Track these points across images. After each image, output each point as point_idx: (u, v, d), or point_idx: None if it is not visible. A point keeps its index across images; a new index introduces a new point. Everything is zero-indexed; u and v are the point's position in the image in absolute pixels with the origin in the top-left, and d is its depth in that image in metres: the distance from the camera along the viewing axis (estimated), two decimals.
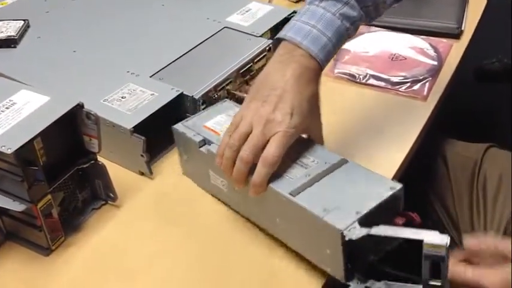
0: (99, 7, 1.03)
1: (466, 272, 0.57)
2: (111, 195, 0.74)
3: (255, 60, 0.90)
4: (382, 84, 0.92)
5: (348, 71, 0.94)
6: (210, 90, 0.83)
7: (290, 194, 0.62)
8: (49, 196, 0.66)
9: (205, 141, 0.71)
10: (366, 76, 0.93)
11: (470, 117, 1.81)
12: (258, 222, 0.69)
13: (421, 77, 0.92)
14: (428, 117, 0.87)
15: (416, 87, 0.90)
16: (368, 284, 0.58)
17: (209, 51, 0.91)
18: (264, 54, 0.90)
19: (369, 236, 0.55)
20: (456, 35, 1.03)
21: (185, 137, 0.73)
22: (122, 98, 0.81)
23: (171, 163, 0.81)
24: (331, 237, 0.57)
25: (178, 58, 0.89)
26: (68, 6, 1.03)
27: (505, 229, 0.85)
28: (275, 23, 0.95)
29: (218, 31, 0.95)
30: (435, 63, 0.95)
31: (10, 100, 0.66)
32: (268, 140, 0.64)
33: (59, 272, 0.68)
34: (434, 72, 0.93)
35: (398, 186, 0.60)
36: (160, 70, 0.87)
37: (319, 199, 0.60)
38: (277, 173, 0.64)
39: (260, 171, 0.63)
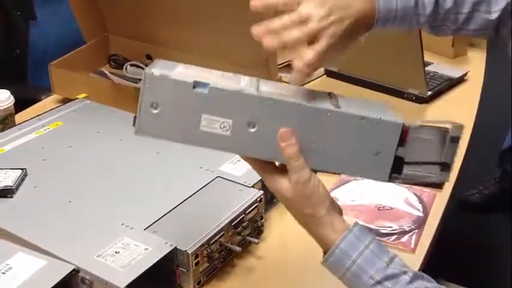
0: (95, 154, 1.07)
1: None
2: None
3: (247, 211, 0.92)
4: None
5: None
6: (203, 244, 0.84)
7: (334, 105, 0.65)
8: None
9: (197, 82, 0.65)
10: None
11: (456, 254, 1.82)
12: (278, 158, 0.67)
13: (407, 229, 0.94)
14: (418, 269, 0.89)
15: (404, 239, 0.93)
16: (402, 176, 0.68)
17: (202, 202, 0.93)
18: (255, 205, 0.93)
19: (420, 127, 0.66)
20: (438, 185, 1.07)
21: (167, 80, 0.64)
22: (116, 253, 0.82)
23: None
24: (387, 135, 0.66)
25: (172, 209, 0.91)
26: (64, 153, 1.06)
27: None
28: None
29: (211, 181, 0.98)
30: (421, 214, 0.98)
31: (7, 264, 0.67)
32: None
33: None
34: (420, 223, 0.96)
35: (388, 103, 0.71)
36: (154, 222, 0.88)
37: (358, 109, 0.66)
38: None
39: (311, 52, 0.65)
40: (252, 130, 0.66)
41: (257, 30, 0.67)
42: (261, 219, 0.95)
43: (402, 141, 0.66)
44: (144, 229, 0.87)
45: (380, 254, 0.65)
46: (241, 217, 0.91)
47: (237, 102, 0.65)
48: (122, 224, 0.88)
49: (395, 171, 0.68)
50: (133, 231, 0.86)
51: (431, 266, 0.97)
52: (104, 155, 1.07)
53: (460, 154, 1.19)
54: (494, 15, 0.78)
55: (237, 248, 0.89)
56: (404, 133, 0.66)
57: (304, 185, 0.66)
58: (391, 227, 0.95)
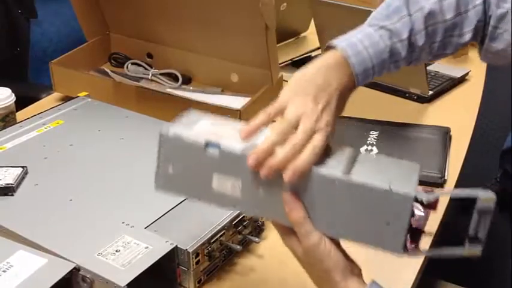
0: (96, 153, 1.07)
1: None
2: None
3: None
4: None
5: None
6: (203, 243, 0.84)
7: (344, 174, 0.63)
8: None
9: (208, 143, 0.66)
10: None
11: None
12: (286, 221, 0.66)
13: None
14: (419, 267, 0.89)
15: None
16: (422, 252, 0.64)
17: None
18: None
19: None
20: (440, 184, 1.07)
21: (181, 141, 0.67)
22: (117, 251, 0.82)
23: None
24: (398, 206, 0.61)
25: (173, 208, 0.91)
26: (65, 151, 1.06)
27: None
28: None
29: None
30: (422, 214, 0.98)
31: (7, 262, 0.66)
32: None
33: None
34: (422, 222, 0.96)
35: (418, 165, 0.68)
36: (155, 221, 0.88)
37: (369, 176, 0.63)
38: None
39: (307, 157, 0.62)
40: (261, 192, 0.66)
41: (253, 163, 0.64)
42: (262, 218, 0.95)
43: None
44: (145, 228, 0.87)
45: None
46: (241, 216, 0.91)
47: (245, 166, 0.64)
48: (123, 223, 0.88)
49: (414, 243, 0.64)
50: (134, 229, 0.86)
51: (432, 266, 0.97)
52: (105, 153, 1.07)
53: (461, 155, 1.19)
54: (467, 37, 0.77)
55: (238, 247, 0.89)
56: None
57: (314, 250, 0.64)
58: None
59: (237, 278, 0.89)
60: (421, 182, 1.05)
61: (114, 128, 1.14)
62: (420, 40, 0.75)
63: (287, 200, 0.64)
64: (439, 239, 0.96)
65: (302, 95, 0.67)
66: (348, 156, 0.67)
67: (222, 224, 0.88)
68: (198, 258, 0.84)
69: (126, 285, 0.75)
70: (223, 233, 0.88)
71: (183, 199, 0.93)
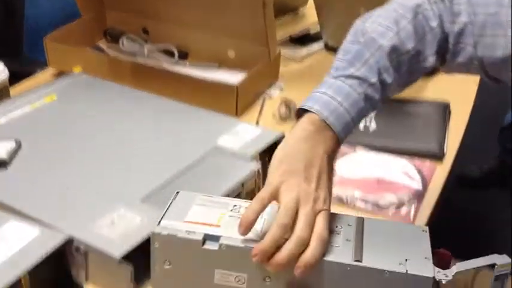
0: (90, 127, 1.05)
1: None
2: None
3: (244, 184, 0.91)
4: (370, 207, 0.93)
5: (335, 194, 0.96)
6: None
7: (356, 260, 0.61)
8: None
9: (205, 237, 0.65)
10: (353, 199, 0.94)
11: (456, 229, 1.82)
12: None
13: (406, 201, 0.93)
14: None
15: (403, 211, 0.92)
16: None
17: (198, 174, 0.92)
18: (253, 178, 0.92)
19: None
20: (439, 157, 1.06)
21: (175, 238, 0.64)
22: (112, 223, 0.81)
23: None
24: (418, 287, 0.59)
25: (168, 180, 0.90)
26: (59, 126, 1.05)
27: None
28: (264, 146, 0.98)
29: (207, 153, 0.97)
30: (420, 186, 0.97)
31: None
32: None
33: None
34: (420, 195, 0.95)
35: (426, 227, 0.67)
36: (150, 194, 0.87)
37: (382, 257, 0.61)
38: None
39: (316, 249, 0.61)
40: (268, 283, 0.64)
41: (258, 259, 0.62)
42: (259, 191, 0.94)
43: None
44: (140, 200, 0.86)
45: None
46: (238, 189, 0.90)
47: (249, 258, 0.62)
48: (118, 195, 0.86)
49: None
50: (130, 202, 0.85)
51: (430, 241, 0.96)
52: (99, 127, 1.05)
53: (460, 130, 1.18)
54: (431, 60, 0.76)
55: None
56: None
57: None
58: (390, 200, 0.94)
59: None
60: (421, 155, 1.06)
61: (109, 102, 1.13)
62: (389, 78, 0.73)
63: None
64: (438, 213, 0.96)
65: (292, 177, 0.65)
66: (354, 230, 0.66)
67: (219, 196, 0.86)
68: None
69: (122, 256, 0.74)
70: None
71: (179, 172, 0.92)
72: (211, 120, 1.07)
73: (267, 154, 0.97)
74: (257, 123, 1.16)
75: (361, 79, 0.72)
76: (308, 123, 0.69)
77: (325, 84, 0.73)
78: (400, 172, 1.00)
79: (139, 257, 0.75)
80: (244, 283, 0.64)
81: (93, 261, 0.70)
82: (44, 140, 1.01)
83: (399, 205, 0.93)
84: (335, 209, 0.95)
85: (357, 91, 0.71)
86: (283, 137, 0.97)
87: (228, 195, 0.87)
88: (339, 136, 0.70)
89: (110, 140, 1.02)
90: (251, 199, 0.91)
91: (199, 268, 0.65)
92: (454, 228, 1.83)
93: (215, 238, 0.64)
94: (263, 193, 0.65)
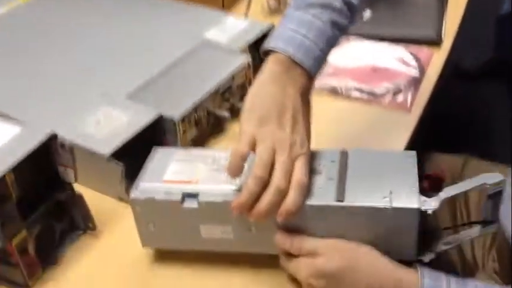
0: (72, 22, 1.00)
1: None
2: (90, 225, 0.71)
3: (235, 77, 0.87)
4: (365, 96, 0.90)
5: (329, 84, 0.93)
6: (189, 111, 0.80)
7: (338, 200, 0.60)
8: (24, 232, 0.63)
9: (184, 196, 0.64)
10: (348, 89, 0.91)
11: (447, 122, 1.81)
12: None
13: (403, 88, 0.90)
14: (413, 128, 0.86)
15: (399, 98, 0.89)
16: (437, 250, 0.61)
17: (187, 69, 0.88)
18: (243, 70, 0.88)
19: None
20: (436, 43, 1.02)
21: (154, 201, 0.63)
22: (98, 121, 0.78)
23: None
24: (404, 220, 0.58)
25: (155, 76, 0.86)
26: (39, 23, 1.00)
27: (490, 245, 0.83)
28: (253, 38, 0.93)
29: (196, 47, 0.92)
30: (417, 72, 0.94)
31: None
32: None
33: None
34: (417, 82, 0.92)
35: (413, 153, 0.64)
36: (136, 90, 0.84)
37: (365, 193, 0.60)
38: None
39: (296, 197, 0.59)
40: (254, 231, 0.63)
41: (237, 212, 0.60)
42: (250, 85, 0.90)
43: (424, 219, 0.59)
44: (126, 97, 0.82)
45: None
46: (228, 83, 0.86)
47: (229, 210, 0.60)
48: (102, 93, 0.83)
49: (426, 248, 0.61)
50: (115, 99, 0.82)
51: (425, 133, 0.94)
52: (81, 22, 1.00)
53: (457, 17, 1.13)
54: None
55: (226, 114, 0.85)
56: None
57: (337, 244, 0.60)
58: (386, 87, 0.91)
59: (226, 146, 0.86)
60: (418, 42, 1.02)
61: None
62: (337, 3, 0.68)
63: (280, 242, 0.62)
64: (432, 101, 0.93)
65: (266, 124, 0.61)
66: (338, 167, 0.63)
67: (208, 92, 0.83)
68: (184, 127, 0.80)
69: (110, 154, 0.72)
70: (210, 101, 0.84)
71: (166, 67, 0.88)
72: (197, 14, 1.02)
73: (256, 47, 0.92)
74: (246, 16, 1.10)
75: (323, 6, 0.67)
76: (275, 64, 0.65)
77: (287, 18, 0.68)
78: (396, 59, 0.96)
79: (128, 156, 0.73)
80: (230, 234, 0.64)
81: (81, 161, 0.67)
82: (24, 38, 0.96)
83: (396, 92, 0.90)
84: (329, 100, 0.94)
85: (322, 19, 0.66)
86: (272, 28, 0.93)
87: (218, 89, 0.85)
88: (310, 71, 0.66)
89: (93, 37, 0.97)
90: (242, 92, 0.89)
91: (183, 226, 0.65)
92: (450, 119, 1.82)
93: (194, 195, 0.63)
94: (240, 147, 0.61)
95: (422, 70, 0.94)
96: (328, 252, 0.60)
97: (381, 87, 0.90)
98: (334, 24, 0.68)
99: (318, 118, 0.87)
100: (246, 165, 0.62)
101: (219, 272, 0.67)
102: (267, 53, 0.67)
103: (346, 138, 0.84)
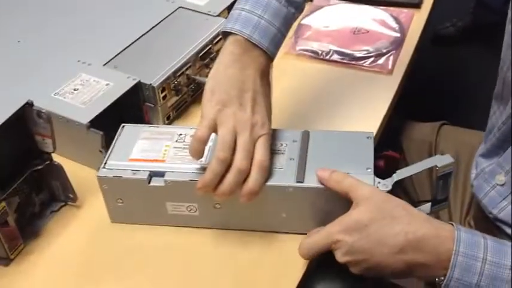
0: None
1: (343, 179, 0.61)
2: (71, 195, 0.70)
3: (214, 42, 0.85)
4: (346, 59, 0.89)
5: (310, 48, 0.91)
6: (169, 77, 0.79)
7: (298, 181, 0.62)
8: (3, 203, 0.62)
9: (151, 175, 0.65)
10: (329, 52, 0.90)
11: (426, 89, 1.81)
12: (251, 227, 0.67)
13: (384, 50, 0.90)
14: (395, 91, 0.85)
15: (380, 61, 0.88)
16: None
17: (165, 34, 0.86)
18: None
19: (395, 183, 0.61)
20: (417, 4, 1.01)
21: (121, 180, 0.65)
22: (75, 90, 0.76)
23: None
24: None
25: (132, 43, 0.84)
26: None
27: (469, 204, 0.84)
28: (231, 1, 0.91)
29: (173, 12, 0.90)
30: (398, 35, 0.93)
31: None
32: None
33: (20, 283, 0.63)
34: (398, 44, 0.91)
35: (371, 134, 0.67)
36: (113, 57, 0.82)
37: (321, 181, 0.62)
38: None
39: (257, 178, 0.61)
40: (218, 208, 0.65)
41: (202, 192, 0.62)
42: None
43: None
44: (104, 65, 0.80)
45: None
46: (208, 48, 0.84)
47: (195, 189, 0.62)
48: (79, 61, 0.81)
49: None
50: (92, 67, 0.80)
51: (405, 101, 0.93)
52: None
53: None
54: None
55: (206, 79, 0.83)
56: None
57: (375, 194, 0.59)
58: (367, 50, 0.89)
59: None
60: (398, 4, 1.00)
61: None
62: None
63: (321, 177, 0.62)
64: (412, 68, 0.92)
65: (227, 106, 0.62)
66: (299, 147, 0.65)
67: (187, 57, 0.81)
68: (164, 93, 0.79)
69: (89, 122, 0.70)
70: (189, 66, 0.82)
71: (144, 33, 0.86)
72: None
73: None
74: None
75: None
76: (233, 46, 0.66)
77: (241, 0, 0.68)
78: (377, 21, 0.95)
79: (107, 124, 0.71)
80: (196, 211, 0.66)
81: (59, 130, 0.66)
82: (0, 10, 0.93)
83: (377, 55, 0.89)
84: (310, 64, 0.93)
85: None
86: None
87: (198, 53, 0.83)
88: (269, 51, 0.66)
89: (70, 6, 0.94)
90: None
91: (150, 203, 0.66)
92: (430, 85, 1.82)
93: (160, 174, 0.64)
94: (201, 130, 0.62)
95: (403, 32, 0.93)
96: (361, 203, 0.59)
97: (362, 50, 0.89)
98: (290, 2, 0.68)
99: (299, 83, 0.87)
100: (211, 143, 0.64)
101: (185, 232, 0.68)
102: (226, 34, 0.67)
103: (328, 103, 0.83)
